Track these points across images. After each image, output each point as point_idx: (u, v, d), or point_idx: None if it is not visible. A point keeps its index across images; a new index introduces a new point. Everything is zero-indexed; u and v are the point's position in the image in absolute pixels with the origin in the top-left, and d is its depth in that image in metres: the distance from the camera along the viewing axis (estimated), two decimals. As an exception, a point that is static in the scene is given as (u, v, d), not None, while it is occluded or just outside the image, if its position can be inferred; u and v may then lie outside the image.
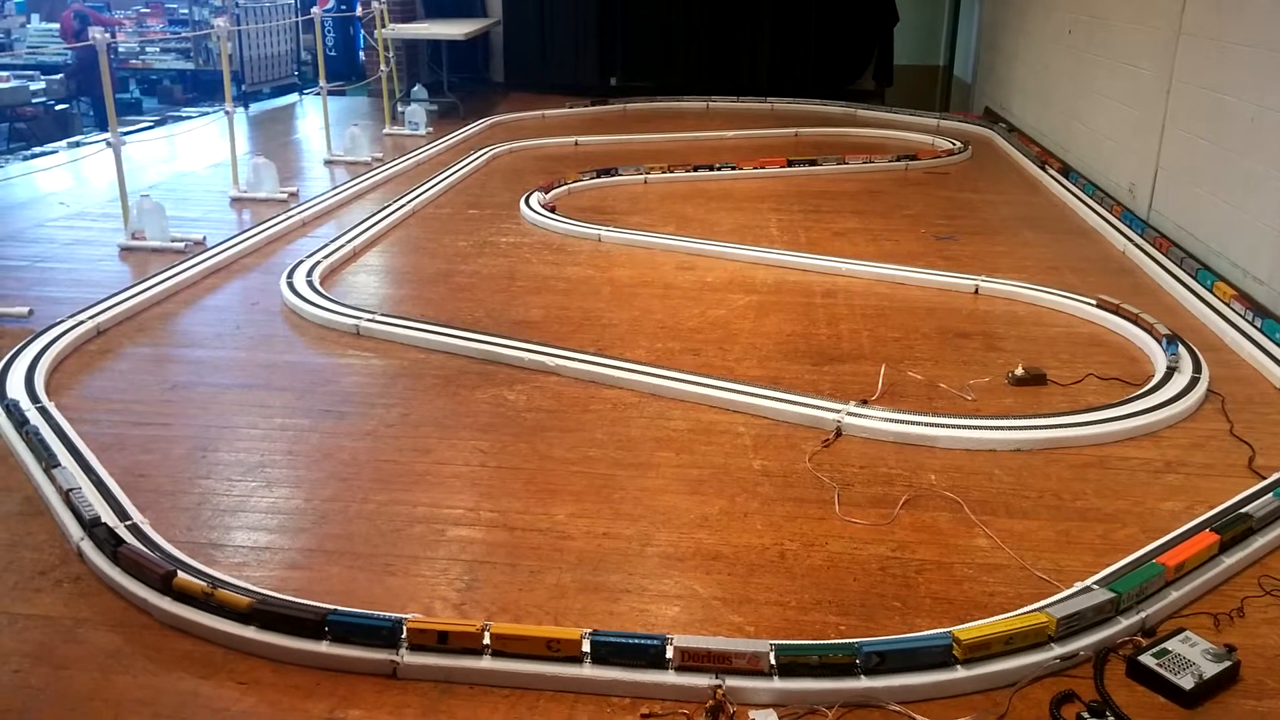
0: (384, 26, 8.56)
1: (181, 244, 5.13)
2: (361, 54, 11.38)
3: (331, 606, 2.28)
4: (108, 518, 2.64)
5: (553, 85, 10.37)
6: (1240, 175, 4.67)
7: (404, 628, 2.20)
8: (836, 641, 2.22)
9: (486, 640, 2.19)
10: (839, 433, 3.28)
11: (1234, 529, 2.60)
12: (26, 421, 3.16)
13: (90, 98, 11.99)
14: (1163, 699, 2.12)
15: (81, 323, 4.01)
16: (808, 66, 10.30)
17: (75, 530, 2.61)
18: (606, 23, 10.38)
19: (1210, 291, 4.38)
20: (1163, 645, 2.22)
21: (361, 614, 2.26)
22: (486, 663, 2.17)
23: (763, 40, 10.27)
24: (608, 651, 2.17)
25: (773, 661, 2.13)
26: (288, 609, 2.27)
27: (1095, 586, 2.38)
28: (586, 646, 2.17)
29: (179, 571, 2.39)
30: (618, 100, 9.74)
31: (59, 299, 4.32)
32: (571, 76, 10.45)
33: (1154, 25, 5.74)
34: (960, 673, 2.15)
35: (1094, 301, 4.32)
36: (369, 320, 4.11)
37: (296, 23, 10.64)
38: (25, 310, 4.13)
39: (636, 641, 2.18)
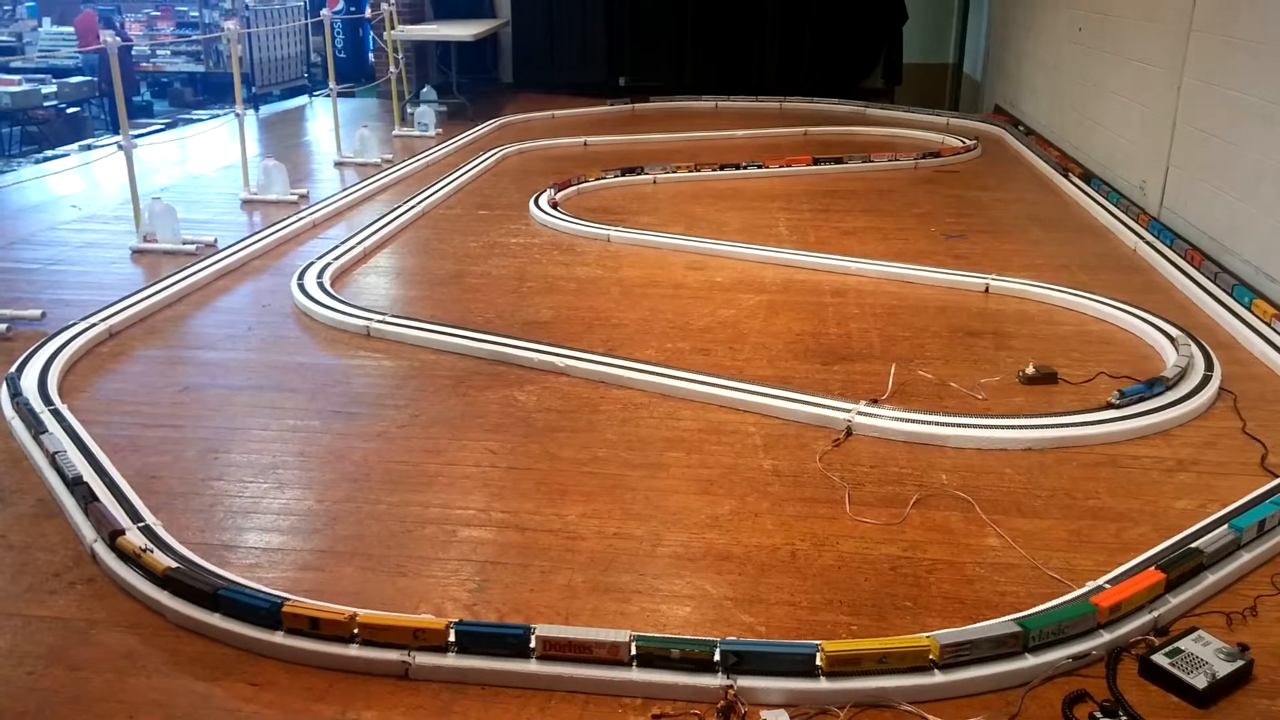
0: (393, 28, 8.58)
1: (193, 246, 5.15)
2: (371, 55, 11.41)
3: (226, 581, 2.40)
4: (122, 520, 2.66)
5: (561, 86, 10.37)
6: (1252, 172, 4.65)
7: (280, 610, 2.26)
8: (695, 637, 2.23)
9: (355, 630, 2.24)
10: (849, 432, 3.27)
11: (1181, 566, 2.42)
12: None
13: (108, 97, 12.02)
14: (1176, 698, 2.11)
15: (94, 325, 4.03)
16: (816, 65, 10.28)
17: (89, 533, 2.63)
18: (615, 23, 10.38)
19: (1250, 311, 4.16)
20: (1175, 644, 2.21)
21: (248, 591, 2.35)
22: (499, 664, 2.18)
23: (771, 39, 10.26)
24: (471, 641, 2.20)
25: (633, 652, 2.16)
26: (189, 578, 2.38)
27: (1009, 621, 2.25)
28: (452, 636, 2.21)
29: (126, 532, 2.58)
30: (624, 100, 9.74)
31: (71, 301, 4.35)
32: (580, 77, 10.45)
33: (1164, 22, 5.72)
34: (969, 673, 2.14)
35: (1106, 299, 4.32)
36: (380, 321, 4.12)
37: (306, 25, 10.68)
38: (38, 313, 4.15)
39: (499, 631, 2.21)
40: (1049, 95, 8.03)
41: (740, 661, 2.14)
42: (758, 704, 2.10)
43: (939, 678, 2.13)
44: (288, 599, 2.31)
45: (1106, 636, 2.24)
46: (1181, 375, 3.55)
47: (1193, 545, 2.50)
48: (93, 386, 3.64)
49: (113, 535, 2.57)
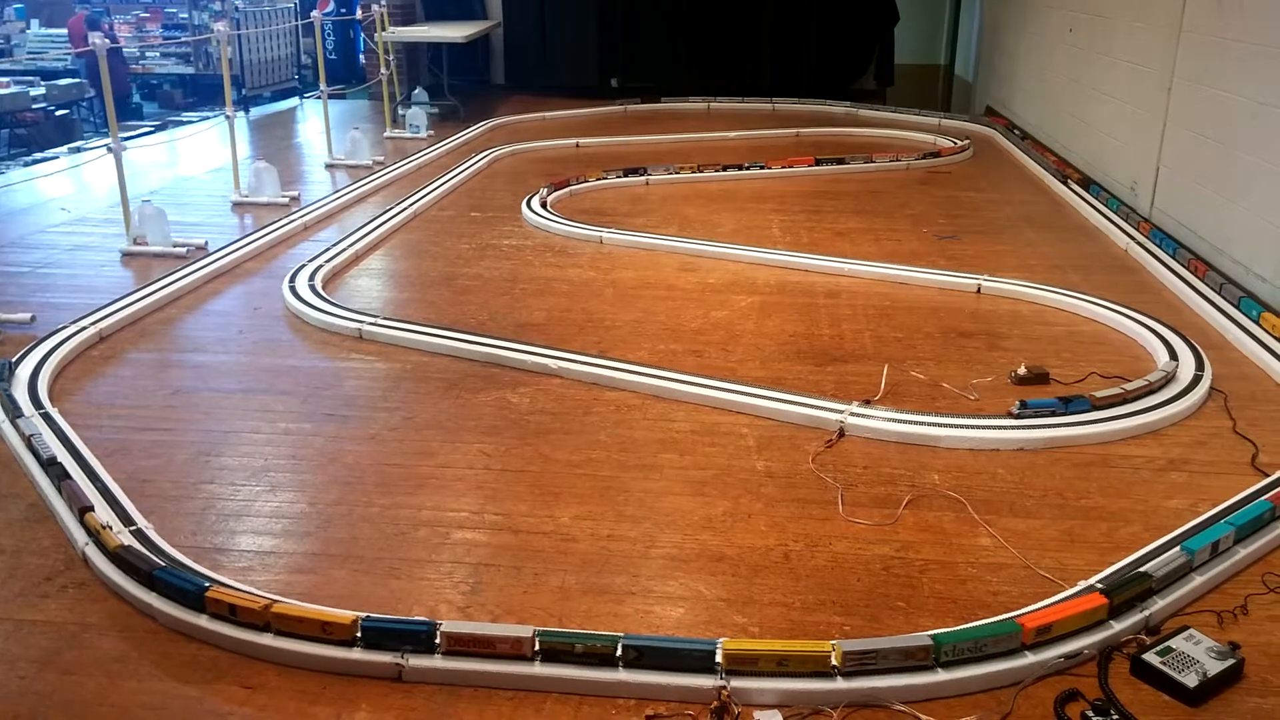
0: (384, 29, 8.57)
1: (183, 249, 5.14)
2: (362, 57, 11.39)
3: (161, 564, 2.46)
4: (111, 522, 2.65)
5: (553, 87, 10.38)
6: (1242, 172, 4.67)
7: (205, 594, 2.31)
8: (597, 632, 2.25)
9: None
10: (842, 433, 3.28)
11: (1127, 591, 2.33)
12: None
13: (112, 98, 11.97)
14: (1167, 697, 2.12)
15: (84, 328, 4.01)
16: (809, 67, 10.31)
17: (80, 536, 2.62)
18: (607, 24, 10.39)
19: (1259, 324, 4.06)
20: (1167, 643, 2.22)
21: (179, 574, 2.41)
22: (492, 666, 2.18)
23: (763, 41, 10.28)
24: (378, 636, 2.21)
25: (536, 647, 2.18)
26: (133, 557, 2.46)
27: (924, 635, 2.20)
28: (359, 631, 2.22)
29: (94, 508, 2.68)
30: (634, 100, 9.76)
31: (61, 305, 4.33)
32: (572, 79, 10.45)
33: (1155, 23, 5.74)
34: (963, 673, 2.15)
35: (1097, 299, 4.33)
36: (372, 324, 4.11)
37: (296, 26, 10.65)
38: (28, 316, 4.14)
39: (405, 627, 2.23)
40: (1040, 96, 8.06)
41: (640, 657, 2.16)
42: (751, 704, 2.10)
43: (936, 677, 2.14)
44: (213, 584, 2.36)
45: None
46: (1147, 390, 3.45)
47: (1142, 569, 2.42)
48: (83, 390, 3.63)
49: (82, 511, 2.66)
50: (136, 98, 14.25)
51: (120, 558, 2.48)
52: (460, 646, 2.19)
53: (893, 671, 2.14)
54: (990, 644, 2.18)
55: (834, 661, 2.14)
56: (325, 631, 2.23)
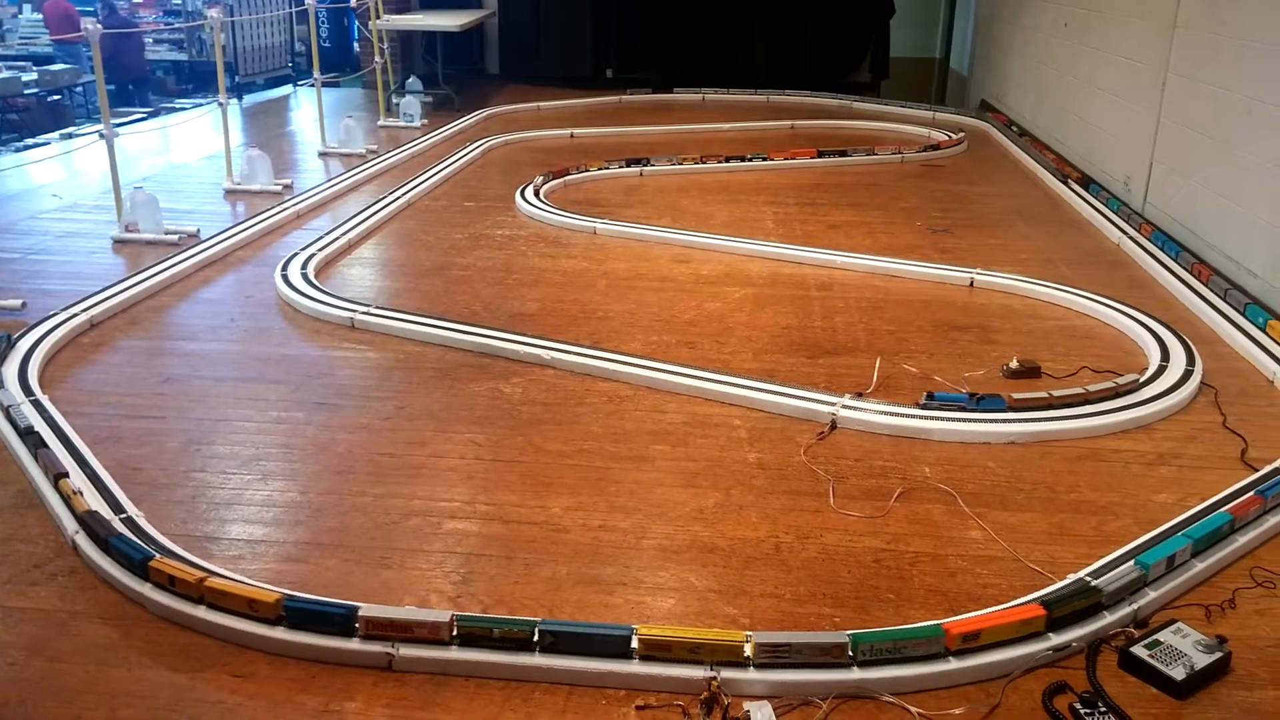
0: (378, 18, 8.54)
1: (175, 236, 5.12)
2: (356, 45, 11.34)
3: (117, 531, 2.54)
4: (103, 511, 2.65)
5: (548, 77, 10.34)
6: (1235, 168, 4.68)
7: (148, 564, 2.37)
8: (514, 617, 2.27)
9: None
10: (834, 425, 3.29)
11: (1070, 605, 2.28)
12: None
13: (115, 83, 11.82)
14: (1155, 690, 2.13)
15: (75, 315, 4.00)
16: (804, 59, 10.28)
17: (70, 524, 2.62)
18: (602, 15, 10.35)
19: (1266, 333, 3.96)
20: (1155, 636, 2.23)
21: (130, 542, 2.48)
22: (483, 655, 2.18)
23: (758, 32, 10.25)
24: (301, 618, 2.24)
25: (454, 632, 2.20)
26: (95, 522, 2.53)
27: (841, 633, 2.19)
28: (282, 611, 2.26)
29: (68, 475, 2.79)
30: (645, 90, 9.75)
31: (52, 291, 4.31)
32: (567, 69, 10.42)
33: (1149, 18, 5.74)
34: (952, 664, 2.16)
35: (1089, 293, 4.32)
36: (364, 313, 4.10)
37: (290, 14, 10.61)
38: (18, 303, 4.12)
39: (325, 609, 2.25)
40: (1035, 90, 8.06)
41: (556, 642, 2.17)
42: (740, 695, 2.10)
43: (917, 669, 2.15)
44: (157, 555, 2.41)
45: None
46: (1110, 394, 3.39)
47: (1093, 584, 2.36)
48: (74, 377, 3.61)
49: (56, 478, 2.76)
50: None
51: (84, 521, 2.56)
52: (379, 631, 2.21)
53: (807, 666, 2.14)
54: (910, 647, 2.17)
55: (747, 653, 2.15)
56: (251, 608, 2.26)
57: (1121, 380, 3.44)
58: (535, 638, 2.19)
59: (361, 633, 2.21)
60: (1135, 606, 2.34)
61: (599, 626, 2.23)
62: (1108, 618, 2.30)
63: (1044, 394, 3.35)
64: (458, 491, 2.90)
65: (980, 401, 3.32)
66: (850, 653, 2.15)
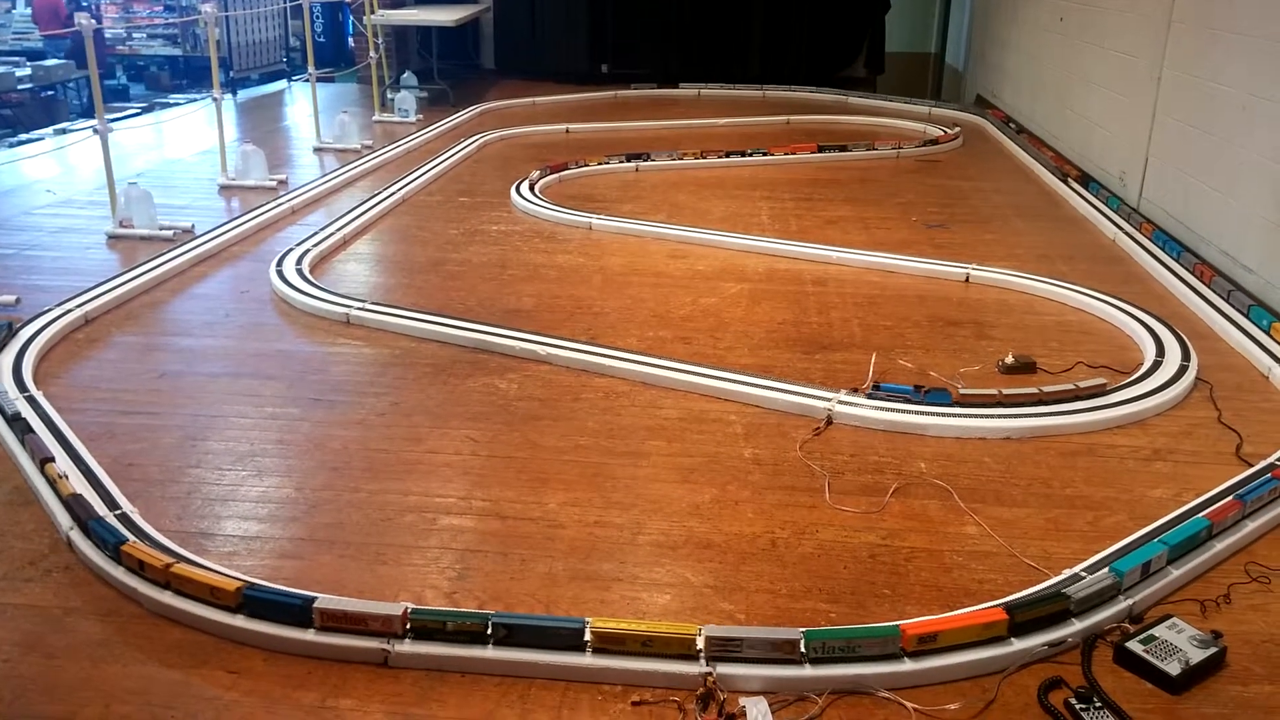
0: (373, 12, 8.51)
1: (170, 232, 5.10)
2: (350, 40, 11.30)
3: (98, 515, 2.58)
4: (98, 508, 2.65)
5: (543, 72, 10.32)
6: (1230, 163, 4.68)
7: (120, 548, 2.42)
8: (468, 610, 2.28)
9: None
10: (830, 421, 3.29)
11: (1034, 610, 2.24)
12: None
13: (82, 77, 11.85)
14: (1150, 685, 2.13)
15: (69, 311, 3.98)
16: (799, 54, 10.27)
17: (65, 519, 2.61)
18: (597, 9, 10.33)
19: (1269, 335, 3.90)
20: (1150, 631, 2.23)
21: (109, 526, 2.52)
22: (480, 651, 2.18)
23: (754, 27, 10.24)
24: (260, 608, 2.26)
25: (407, 625, 2.20)
26: (81, 506, 2.59)
27: (795, 629, 2.18)
28: (241, 599, 2.28)
29: (54, 459, 2.83)
30: (649, 85, 9.73)
31: (46, 287, 4.30)
32: (562, 64, 10.40)
33: (1145, 12, 5.74)
34: (950, 659, 2.16)
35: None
36: (359, 309, 4.09)
37: (285, 8, 10.56)
38: (12, 299, 4.11)
39: (283, 600, 2.26)
40: (1030, 85, 8.06)
41: (510, 634, 2.18)
42: (736, 691, 2.10)
43: (912, 665, 2.15)
44: (130, 540, 2.45)
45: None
46: (1097, 391, 3.39)
47: (1063, 590, 2.32)
48: (68, 373, 3.60)
49: (43, 462, 2.80)
50: (123, 79, 14.13)
51: (68, 504, 2.60)
52: (333, 623, 2.21)
53: (757, 661, 2.13)
54: (864, 646, 2.15)
55: (699, 646, 2.15)
56: (213, 595, 2.28)
57: (1083, 384, 3.41)
58: (489, 631, 2.19)
59: (316, 624, 2.22)
60: (1131, 601, 2.34)
61: (552, 619, 2.24)
62: (1090, 619, 2.28)
63: (994, 391, 3.34)
64: (453, 487, 2.90)
65: (927, 395, 3.33)
66: (802, 650, 2.14)
